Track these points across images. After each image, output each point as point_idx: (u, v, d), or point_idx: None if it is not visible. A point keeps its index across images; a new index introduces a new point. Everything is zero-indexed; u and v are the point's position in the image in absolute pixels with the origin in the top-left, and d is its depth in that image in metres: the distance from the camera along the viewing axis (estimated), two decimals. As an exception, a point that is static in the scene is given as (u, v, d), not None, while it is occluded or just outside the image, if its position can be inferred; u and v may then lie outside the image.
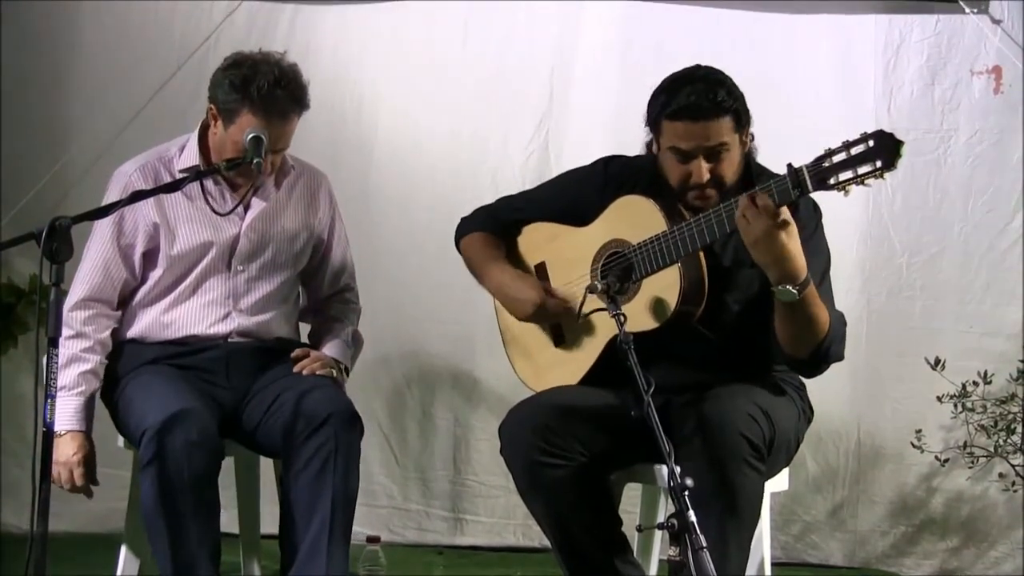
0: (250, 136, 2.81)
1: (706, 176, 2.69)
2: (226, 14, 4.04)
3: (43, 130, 4.08)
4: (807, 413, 2.87)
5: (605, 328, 2.79)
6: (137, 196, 2.66)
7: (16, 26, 4.02)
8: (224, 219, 2.95)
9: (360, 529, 3.04)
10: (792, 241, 2.50)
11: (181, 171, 2.97)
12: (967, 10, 3.93)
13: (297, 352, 3.07)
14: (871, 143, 2.35)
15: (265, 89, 2.84)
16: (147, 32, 4.07)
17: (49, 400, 2.33)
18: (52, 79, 4.09)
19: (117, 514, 3.13)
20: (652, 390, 2.39)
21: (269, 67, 2.88)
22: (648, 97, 2.77)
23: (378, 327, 3.45)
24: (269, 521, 3.30)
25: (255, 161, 2.77)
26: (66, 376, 2.88)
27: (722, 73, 2.73)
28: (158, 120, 3.87)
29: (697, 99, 2.65)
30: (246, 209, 3.01)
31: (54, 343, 2.33)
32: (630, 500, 3.02)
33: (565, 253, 2.92)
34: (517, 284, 2.93)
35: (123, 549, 3.00)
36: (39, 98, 4.08)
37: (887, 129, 2.37)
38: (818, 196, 2.77)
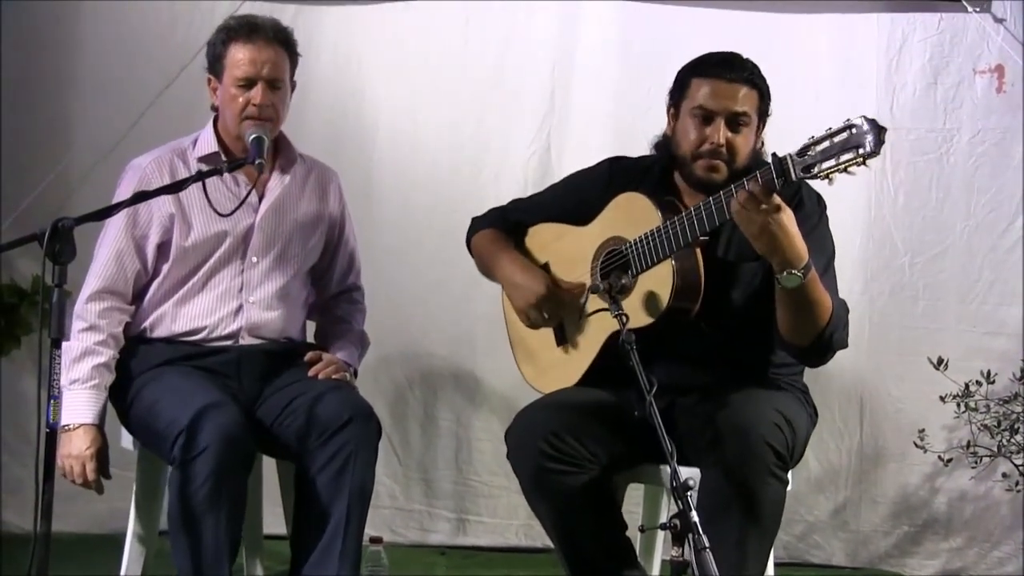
0: (252, 136, 2.83)
1: (723, 139, 2.70)
2: (227, 15, 4.02)
3: (45, 132, 4.07)
4: (813, 417, 2.86)
5: (604, 327, 2.78)
6: (139, 197, 2.66)
7: (17, 27, 4.01)
8: (238, 209, 2.93)
9: (363, 530, 3.04)
10: (791, 224, 2.50)
11: (199, 159, 2.99)
12: (970, 9, 3.93)
13: (310, 356, 3.06)
14: (853, 130, 2.34)
15: (244, 19, 2.97)
16: (148, 34, 4.06)
17: (52, 401, 2.32)
18: (53, 81, 4.08)
19: (120, 514, 3.11)
20: (655, 390, 2.38)
21: (247, 15, 3.03)
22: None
23: (379, 328, 3.44)
24: (271, 522, 3.30)
25: (257, 162, 2.77)
26: (80, 369, 2.86)
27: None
28: (160, 122, 3.86)
29: (731, 63, 2.73)
30: (260, 199, 3.01)
31: (57, 344, 2.33)
32: (633, 500, 3.01)
33: (566, 253, 2.93)
34: (524, 275, 2.94)
35: (127, 549, 2.99)
36: (40, 100, 4.07)
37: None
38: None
